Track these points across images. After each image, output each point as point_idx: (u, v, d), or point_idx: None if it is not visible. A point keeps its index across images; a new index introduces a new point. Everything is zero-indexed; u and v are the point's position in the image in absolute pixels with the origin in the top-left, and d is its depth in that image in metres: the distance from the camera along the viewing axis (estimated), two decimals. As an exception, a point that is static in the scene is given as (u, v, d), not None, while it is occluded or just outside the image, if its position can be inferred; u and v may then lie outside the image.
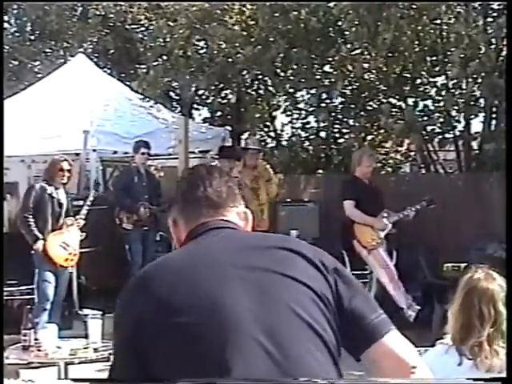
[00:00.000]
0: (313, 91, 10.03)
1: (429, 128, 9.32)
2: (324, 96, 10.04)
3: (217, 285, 1.81)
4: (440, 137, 9.62)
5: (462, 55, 8.25)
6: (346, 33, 8.77)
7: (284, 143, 11.55)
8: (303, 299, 1.82)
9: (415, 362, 1.88)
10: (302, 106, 10.79)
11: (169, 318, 1.76)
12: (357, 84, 9.88)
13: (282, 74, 10.12)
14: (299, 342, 1.77)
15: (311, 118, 10.84)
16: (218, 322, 1.75)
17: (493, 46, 8.54)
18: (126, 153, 9.19)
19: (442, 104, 9.11)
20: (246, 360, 1.72)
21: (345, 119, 10.68)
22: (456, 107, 9.13)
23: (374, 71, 9.45)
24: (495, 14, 8.78)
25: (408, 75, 9.54)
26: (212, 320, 1.75)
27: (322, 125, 10.83)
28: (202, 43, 10.20)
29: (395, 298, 7.52)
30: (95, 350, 5.28)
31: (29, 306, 6.33)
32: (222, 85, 11.27)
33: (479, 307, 3.03)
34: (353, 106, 10.31)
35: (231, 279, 1.82)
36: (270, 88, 10.99)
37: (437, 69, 9.34)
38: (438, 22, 8.84)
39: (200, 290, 1.80)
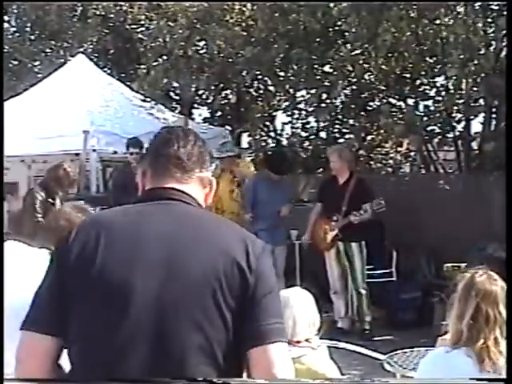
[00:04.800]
0: (313, 91, 10.02)
1: (429, 128, 9.31)
2: (324, 96, 10.03)
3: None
4: (440, 137, 9.61)
5: (461, 56, 8.25)
6: (346, 33, 8.76)
7: (284, 143, 11.56)
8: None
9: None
10: (302, 106, 10.79)
11: (90, 266, 1.97)
12: (357, 84, 9.88)
13: (282, 74, 10.11)
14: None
15: (311, 118, 10.84)
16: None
17: (492, 47, 8.54)
18: (125, 153, 9.19)
19: (441, 104, 9.10)
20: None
21: (345, 119, 10.68)
22: (456, 107, 9.13)
23: (373, 71, 9.44)
24: (494, 15, 8.77)
25: (408, 75, 9.54)
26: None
27: (322, 125, 10.83)
28: (202, 43, 10.20)
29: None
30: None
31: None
32: (222, 85, 11.28)
33: (485, 311, 3.01)
34: (353, 106, 10.30)
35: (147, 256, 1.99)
36: (270, 88, 10.99)
37: (436, 69, 9.33)
38: (438, 22, 8.84)
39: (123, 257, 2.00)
